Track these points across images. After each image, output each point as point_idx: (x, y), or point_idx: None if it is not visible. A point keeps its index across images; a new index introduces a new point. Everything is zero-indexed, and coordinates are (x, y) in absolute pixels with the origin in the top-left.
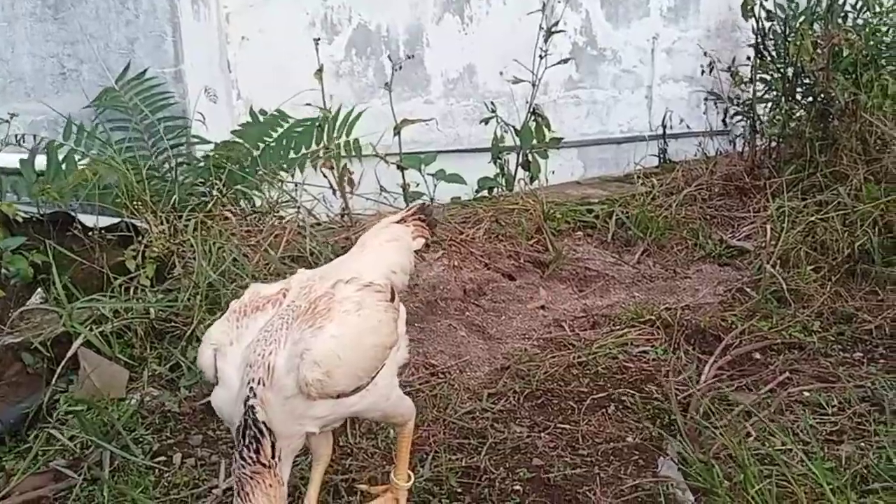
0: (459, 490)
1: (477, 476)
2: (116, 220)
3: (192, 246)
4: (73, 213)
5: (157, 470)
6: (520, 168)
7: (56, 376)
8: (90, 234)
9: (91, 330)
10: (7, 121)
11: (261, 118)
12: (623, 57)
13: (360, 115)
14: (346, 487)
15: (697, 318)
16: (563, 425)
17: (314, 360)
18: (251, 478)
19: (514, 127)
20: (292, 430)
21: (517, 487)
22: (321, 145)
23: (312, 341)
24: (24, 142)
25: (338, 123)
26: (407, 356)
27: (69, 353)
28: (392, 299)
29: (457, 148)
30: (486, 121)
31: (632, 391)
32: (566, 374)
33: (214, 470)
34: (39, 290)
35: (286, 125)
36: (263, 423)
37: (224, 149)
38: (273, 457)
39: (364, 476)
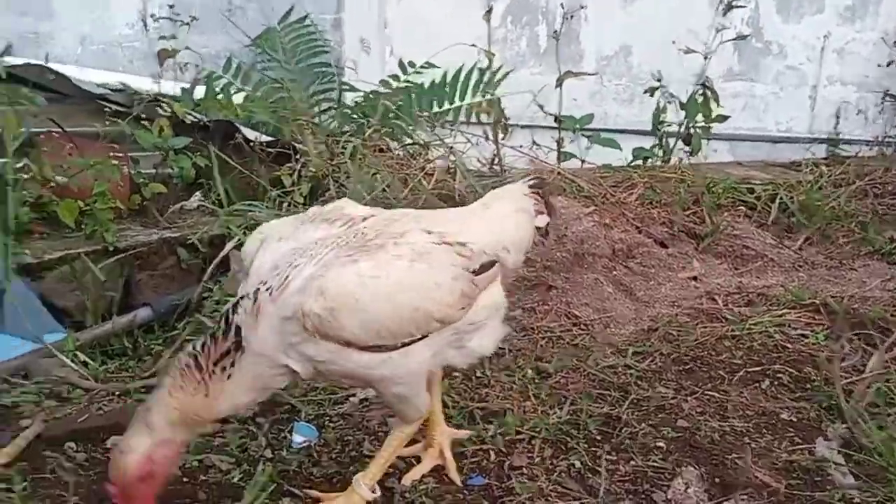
0: (598, 437)
1: (617, 427)
2: (275, 137)
3: (347, 170)
4: (236, 125)
5: None
6: (679, 142)
7: (208, 274)
8: (251, 146)
9: (245, 234)
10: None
11: (409, 69)
12: (789, 52)
13: (507, 73)
14: (481, 416)
15: (865, 308)
16: (711, 392)
17: (320, 290)
18: (177, 375)
19: (678, 99)
20: (274, 355)
21: (660, 444)
22: (476, 96)
23: (333, 272)
24: (185, 71)
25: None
26: (491, 348)
27: (222, 253)
28: (478, 273)
29: (606, 127)
30: (651, 91)
31: (789, 369)
32: (717, 345)
33: None
34: (198, 192)
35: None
36: (235, 326)
37: (374, 97)
38: (216, 363)
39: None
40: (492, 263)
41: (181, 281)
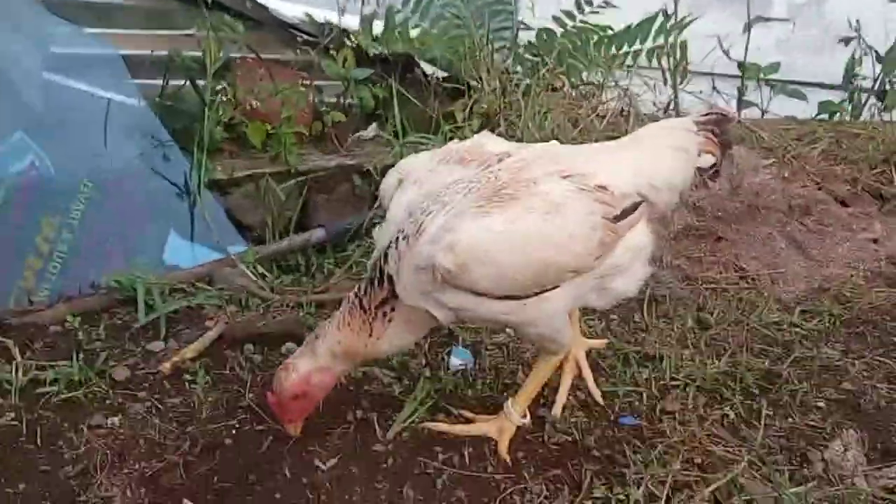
0: (756, 391)
1: (777, 383)
2: (451, 73)
3: (519, 107)
4: (415, 59)
5: None
6: (872, 97)
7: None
8: (427, 80)
9: None
10: None
11: (586, 8)
12: None
13: (693, 18)
14: (636, 359)
15: None
16: (881, 358)
17: (451, 246)
18: (346, 312)
19: (875, 51)
20: (414, 300)
21: (821, 404)
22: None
23: (464, 225)
24: (366, 4)
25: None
26: (634, 290)
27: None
28: (620, 218)
29: (790, 79)
30: (846, 41)
31: None
32: (894, 311)
33: None
34: (374, 123)
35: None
36: (388, 274)
37: (549, 37)
38: (378, 308)
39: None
40: (636, 206)
41: (354, 206)
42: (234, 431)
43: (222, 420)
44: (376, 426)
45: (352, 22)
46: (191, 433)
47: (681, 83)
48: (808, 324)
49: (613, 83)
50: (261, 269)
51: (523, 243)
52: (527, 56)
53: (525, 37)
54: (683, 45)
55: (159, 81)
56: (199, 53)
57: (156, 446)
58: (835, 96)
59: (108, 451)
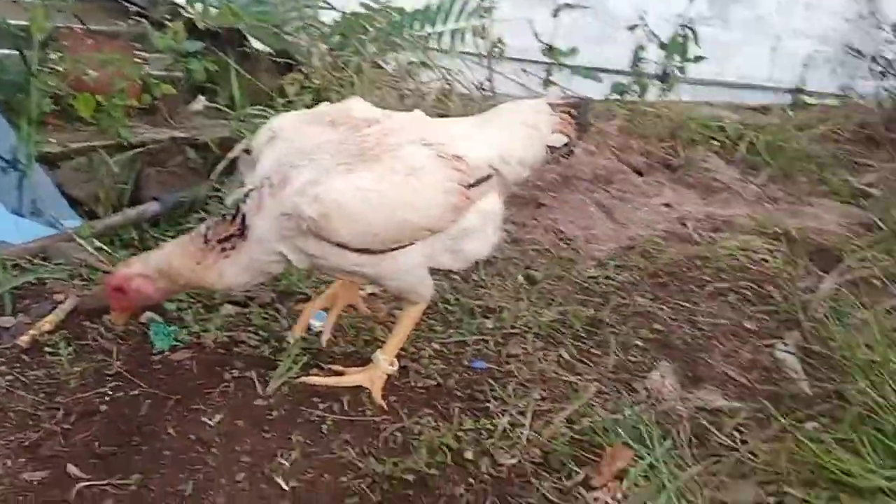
0: (583, 334)
1: (600, 327)
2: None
3: (351, 83)
4: (244, 33)
5: None
6: (655, 80)
7: (216, 174)
8: (258, 55)
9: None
10: None
11: None
12: (759, 1)
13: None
14: (480, 312)
15: (821, 238)
16: (683, 303)
17: (317, 197)
18: (189, 238)
19: (659, 38)
20: (270, 244)
21: (638, 343)
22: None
23: (331, 179)
24: None
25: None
26: (486, 252)
27: (230, 155)
28: (472, 186)
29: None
30: (633, 28)
31: (752, 286)
32: (689, 263)
33: None
34: (202, 96)
35: None
36: (242, 214)
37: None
38: (220, 242)
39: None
40: (488, 176)
41: (187, 179)
42: (107, 398)
43: (92, 389)
44: (256, 383)
45: None
46: (62, 403)
47: (496, 59)
48: (620, 276)
49: (433, 64)
50: (97, 244)
51: (383, 201)
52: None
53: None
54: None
55: None
56: (25, 22)
57: (28, 417)
58: (622, 80)
59: None
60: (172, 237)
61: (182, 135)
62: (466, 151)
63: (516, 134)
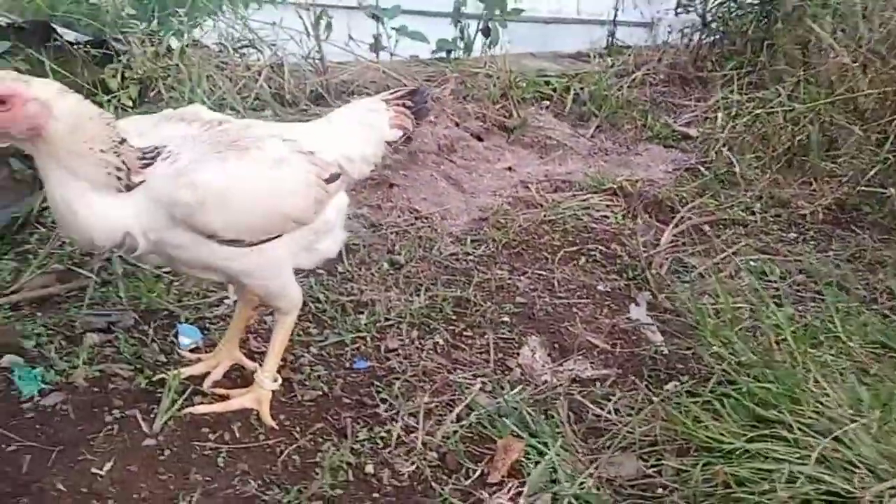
0: (454, 317)
1: (468, 307)
2: (94, 38)
3: (177, 70)
4: (53, 25)
5: (166, 278)
6: (479, 34)
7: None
8: (72, 47)
9: None
10: None
11: None
12: None
13: None
14: (352, 307)
15: (653, 190)
16: (539, 272)
17: (193, 182)
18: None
19: None
20: (135, 214)
21: (505, 319)
22: None
23: (206, 165)
24: None
25: None
26: (336, 250)
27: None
28: (329, 181)
29: (412, 8)
30: None
31: (599, 247)
32: (538, 229)
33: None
34: None
35: None
36: (158, 160)
37: None
38: (134, 165)
39: (363, 297)
40: (337, 175)
41: (15, 191)
42: None
43: None
44: (140, 421)
45: None
46: None
47: (325, 37)
48: (478, 251)
49: (258, 38)
50: None
51: (257, 188)
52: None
53: None
54: None
55: None
56: None
57: None
58: (443, 23)
59: None
60: (11, 259)
61: (2, 144)
62: (318, 148)
63: (356, 134)
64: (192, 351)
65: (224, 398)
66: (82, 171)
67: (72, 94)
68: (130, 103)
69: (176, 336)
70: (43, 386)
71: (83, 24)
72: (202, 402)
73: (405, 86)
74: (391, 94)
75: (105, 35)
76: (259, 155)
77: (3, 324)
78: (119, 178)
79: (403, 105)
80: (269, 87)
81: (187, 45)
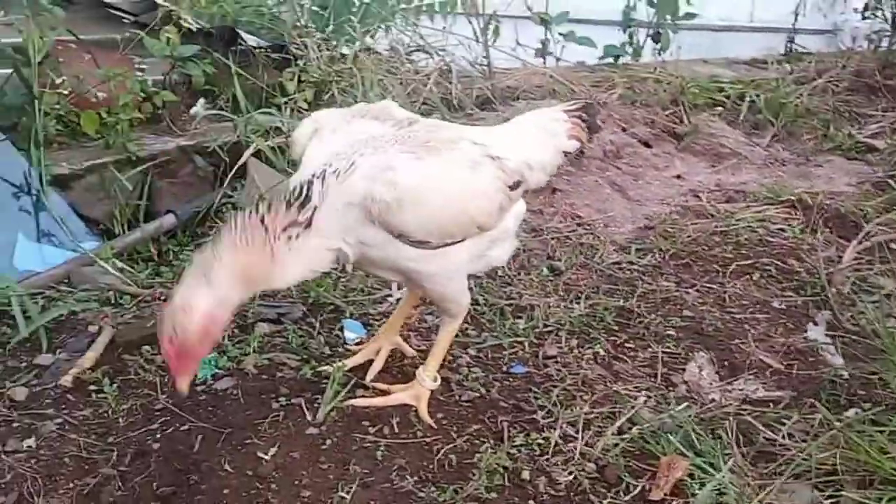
0: (616, 328)
1: (631, 318)
2: (275, 43)
3: (350, 74)
4: (238, 31)
5: (334, 274)
6: (649, 40)
7: (227, 181)
8: (254, 52)
9: (261, 141)
10: None
11: None
12: None
13: None
14: (511, 311)
15: (836, 203)
16: (709, 285)
17: (393, 181)
18: (242, 232)
19: None
20: (331, 235)
21: (671, 333)
22: None
23: (405, 164)
24: None
25: None
26: (505, 259)
27: (241, 160)
28: (513, 188)
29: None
30: None
31: (775, 262)
32: (709, 241)
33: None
34: (202, 99)
35: None
36: (313, 206)
37: None
38: (283, 231)
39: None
40: (518, 182)
41: (198, 187)
42: (158, 436)
43: (142, 426)
44: (304, 410)
45: None
46: (115, 444)
47: (492, 42)
48: (643, 260)
49: (428, 44)
50: (119, 264)
51: (451, 189)
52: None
53: None
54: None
55: None
56: (16, 40)
57: (83, 462)
58: (609, 31)
59: (36, 475)
60: (191, 251)
61: (189, 143)
62: (505, 155)
63: (539, 141)
64: (356, 345)
65: (385, 393)
66: (270, 272)
67: (214, 273)
68: (306, 105)
69: (341, 330)
70: (216, 370)
71: (265, 31)
72: (364, 396)
73: (573, 91)
74: (569, 105)
75: (284, 41)
76: (453, 156)
77: None
78: (291, 238)
79: (579, 118)
80: (438, 92)
81: (360, 51)
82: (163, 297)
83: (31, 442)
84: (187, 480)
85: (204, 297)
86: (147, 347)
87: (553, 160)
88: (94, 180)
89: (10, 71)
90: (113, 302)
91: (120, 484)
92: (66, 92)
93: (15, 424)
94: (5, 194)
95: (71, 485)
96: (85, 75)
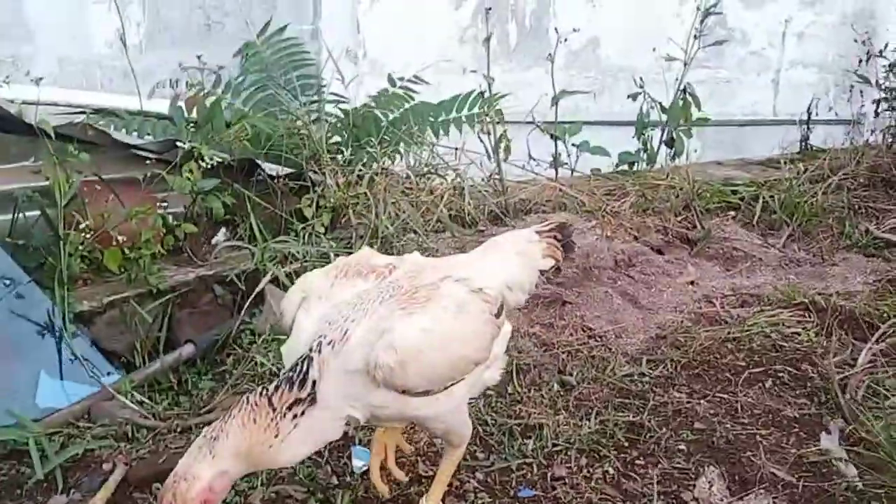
0: (626, 444)
1: (642, 433)
2: (293, 170)
3: (366, 198)
4: (258, 161)
5: None
6: (663, 145)
7: (245, 309)
8: (273, 181)
9: (277, 268)
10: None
11: (397, 82)
12: (752, 39)
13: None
14: (519, 431)
15: (850, 304)
16: (721, 395)
17: (392, 345)
18: (249, 410)
19: (660, 104)
20: (337, 406)
21: (682, 447)
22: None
23: (398, 325)
24: (176, 87)
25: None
26: (498, 378)
27: (258, 288)
28: (498, 315)
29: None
30: (634, 97)
31: (788, 368)
32: (721, 348)
33: None
34: (223, 228)
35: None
36: (312, 380)
37: (361, 113)
38: (288, 410)
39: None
40: (503, 305)
41: (217, 316)
42: None
43: None
44: None
45: (159, 105)
46: None
47: (504, 158)
48: (655, 371)
49: (442, 163)
50: (138, 397)
51: (446, 340)
52: (344, 130)
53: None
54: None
55: (5, 217)
56: (44, 184)
57: None
58: (621, 132)
59: None
60: (210, 379)
61: (209, 273)
62: (484, 283)
63: (514, 263)
64: (362, 474)
65: None
66: (275, 450)
67: (218, 445)
68: (323, 230)
69: (349, 458)
70: None
71: (283, 159)
72: None
73: (583, 203)
74: (543, 226)
75: (302, 167)
76: (442, 303)
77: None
78: (296, 416)
79: (554, 237)
80: (450, 210)
81: (376, 174)
82: (179, 429)
83: None
84: None
85: (206, 470)
86: (158, 485)
87: (530, 279)
88: (116, 314)
89: (37, 213)
90: (130, 436)
91: None
92: (88, 234)
93: None
94: (29, 333)
95: None
96: (109, 213)
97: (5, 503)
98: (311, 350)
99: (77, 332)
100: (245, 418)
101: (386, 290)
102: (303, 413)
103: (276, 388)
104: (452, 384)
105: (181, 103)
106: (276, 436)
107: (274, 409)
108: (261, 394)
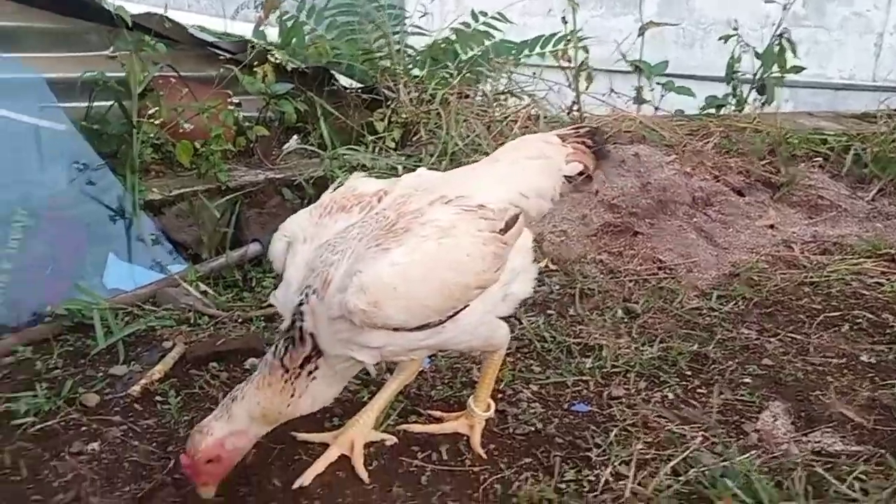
0: (689, 373)
1: (706, 364)
2: (367, 84)
3: (438, 116)
4: (331, 71)
5: None
6: (754, 92)
7: None
8: (346, 92)
9: (345, 176)
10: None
11: (480, 17)
12: None
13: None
14: (578, 350)
15: None
16: (793, 335)
17: (361, 287)
18: (265, 373)
19: (754, 48)
20: (338, 350)
21: (747, 380)
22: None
23: (368, 264)
24: (259, 10)
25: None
26: (530, 290)
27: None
28: (507, 229)
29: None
30: (726, 38)
31: (867, 315)
32: (797, 291)
33: None
34: (295, 135)
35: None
36: (310, 333)
37: (447, 43)
38: (300, 366)
39: (591, 341)
40: (516, 217)
41: (284, 218)
42: None
43: None
44: None
45: (243, 28)
46: (173, 452)
47: (585, 88)
48: (725, 307)
49: (519, 88)
50: (203, 287)
51: (427, 270)
52: (423, 61)
53: (415, 42)
54: (583, 49)
55: (82, 104)
56: (120, 74)
57: (141, 468)
58: (710, 87)
59: (95, 477)
60: (274, 278)
61: (278, 176)
62: (486, 198)
63: (528, 167)
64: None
65: (438, 420)
66: (295, 406)
67: (236, 405)
68: (393, 145)
69: None
70: None
71: (358, 71)
72: (416, 422)
73: (663, 137)
74: (568, 130)
75: (376, 82)
76: (422, 232)
77: (256, 332)
78: (311, 372)
79: (583, 143)
80: (524, 134)
81: (450, 93)
82: (240, 320)
83: (95, 446)
84: (237, 492)
85: (220, 428)
86: (214, 364)
87: (553, 185)
88: (185, 207)
89: (113, 102)
90: (191, 322)
91: (173, 490)
92: (158, 122)
93: (83, 428)
94: (102, 217)
95: (127, 488)
96: (183, 108)
97: (69, 370)
98: (300, 303)
99: (147, 220)
100: (261, 381)
101: (368, 225)
102: (317, 367)
103: (284, 350)
104: (457, 312)
105: (260, 14)
106: (293, 395)
107: (287, 371)
108: (273, 356)
